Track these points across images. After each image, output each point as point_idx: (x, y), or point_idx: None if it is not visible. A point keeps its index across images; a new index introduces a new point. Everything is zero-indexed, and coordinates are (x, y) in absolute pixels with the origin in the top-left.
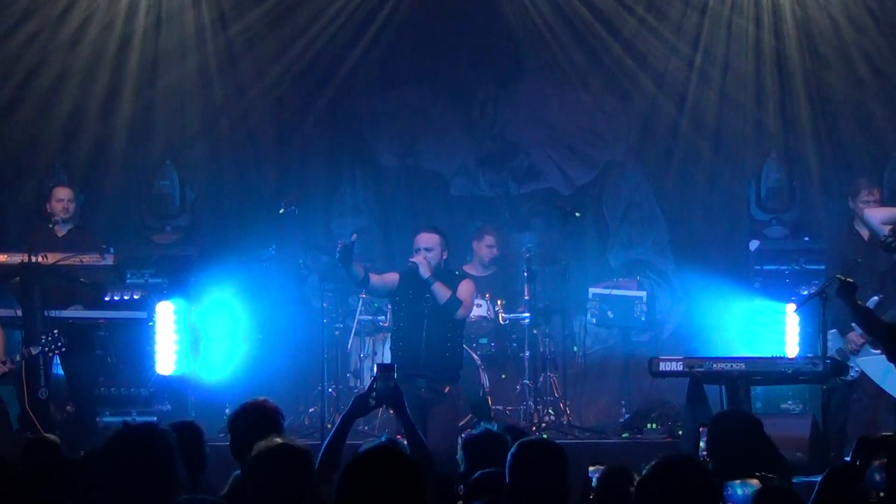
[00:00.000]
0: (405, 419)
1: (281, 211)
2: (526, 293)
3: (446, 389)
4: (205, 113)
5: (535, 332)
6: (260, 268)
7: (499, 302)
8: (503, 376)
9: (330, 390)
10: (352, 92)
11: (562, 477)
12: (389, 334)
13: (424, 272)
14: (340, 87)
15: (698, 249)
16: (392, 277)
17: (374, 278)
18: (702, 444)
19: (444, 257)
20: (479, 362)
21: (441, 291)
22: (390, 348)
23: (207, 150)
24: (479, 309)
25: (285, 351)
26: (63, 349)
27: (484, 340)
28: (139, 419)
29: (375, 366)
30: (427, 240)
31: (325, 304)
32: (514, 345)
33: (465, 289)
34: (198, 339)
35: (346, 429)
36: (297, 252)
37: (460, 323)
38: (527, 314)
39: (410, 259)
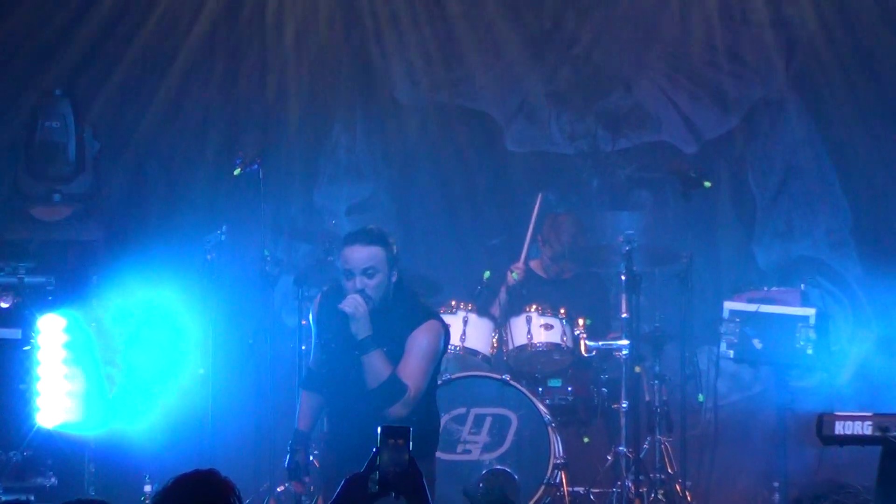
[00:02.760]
0: None
1: (236, 172)
2: (623, 309)
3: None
4: (116, 14)
5: (637, 370)
6: (203, 262)
7: (580, 322)
8: (586, 440)
9: (311, 458)
10: None
11: None
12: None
13: (359, 328)
14: None
15: None
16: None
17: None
18: None
19: (394, 279)
20: (546, 417)
21: (375, 368)
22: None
23: (120, 76)
24: (550, 333)
25: (242, 393)
26: None
27: (556, 382)
28: (5, 499)
29: (379, 429)
30: (361, 258)
31: (304, 322)
32: (605, 390)
33: (418, 349)
34: (104, 371)
35: None
36: (260, 238)
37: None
38: (624, 342)
39: (339, 305)
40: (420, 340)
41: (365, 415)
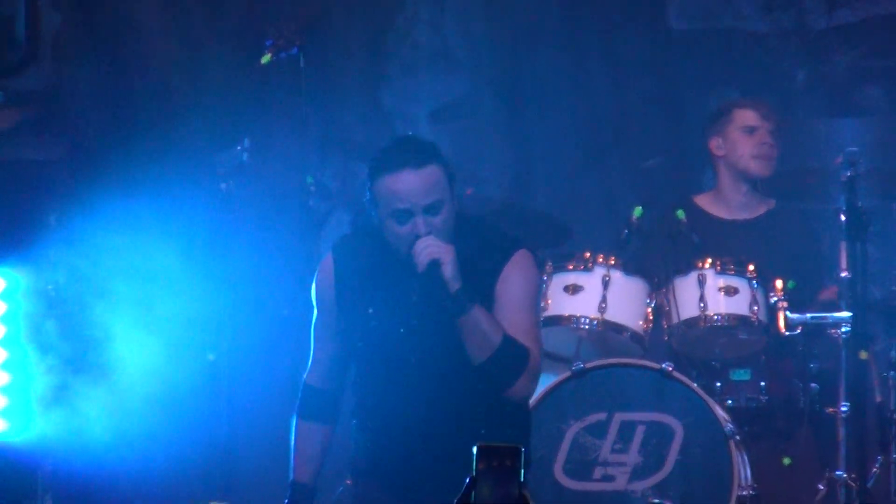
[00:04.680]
0: None
1: (265, 59)
2: (843, 265)
3: None
4: None
5: (863, 356)
6: (215, 194)
7: (777, 285)
8: (786, 461)
9: None
10: None
11: None
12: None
13: (452, 279)
14: None
15: None
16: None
17: None
18: None
19: (456, 206)
20: (728, 427)
21: (482, 331)
22: (354, 441)
23: None
24: (733, 300)
25: (270, 389)
26: None
27: (743, 375)
28: None
29: (475, 449)
30: (419, 188)
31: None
32: (815, 386)
33: (521, 294)
34: (67, 356)
35: None
36: (301, 158)
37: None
38: (844, 313)
39: (414, 251)
40: (517, 281)
41: (455, 412)
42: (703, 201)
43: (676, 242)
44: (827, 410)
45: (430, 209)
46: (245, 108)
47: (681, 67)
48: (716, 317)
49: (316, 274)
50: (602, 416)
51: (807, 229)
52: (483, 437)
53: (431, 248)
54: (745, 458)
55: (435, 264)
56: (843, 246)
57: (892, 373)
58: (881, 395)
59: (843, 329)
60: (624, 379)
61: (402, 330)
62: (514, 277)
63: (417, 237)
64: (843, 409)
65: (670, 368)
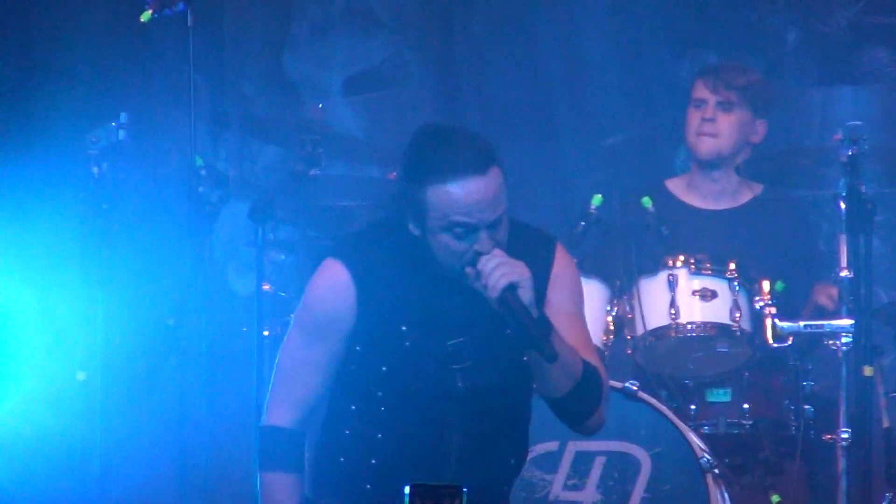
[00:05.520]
0: None
1: (145, 17)
2: (843, 263)
3: None
4: None
5: (868, 372)
6: (86, 179)
7: (763, 287)
8: (774, 499)
9: None
10: None
11: None
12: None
13: (529, 300)
14: None
15: None
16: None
17: None
18: None
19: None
20: (704, 458)
21: (566, 359)
22: (342, 459)
23: None
24: (710, 305)
25: (154, 413)
26: None
27: (722, 395)
28: None
29: (408, 488)
30: (487, 200)
31: (271, 291)
32: (809, 408)
33: (576, 300)
34: None
35: None
36: (189, 137)
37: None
38: (845, 321)
39: (481, 267)
40: (569, 284)
41: (498, 445)
42: (676, 187)
43: (642, 237)
44: (824, 438)
45: (496, 224)
46: (121, 76)
47: (647, 27)
48: (689, 326)
49: (318, 291)
50: (553, 445)
51: (799, 220)
52: (512, 468)
53: (506, 269)
54: (726, 494)
55: (512, 288)
56: (843, 240)
57: None
58: (888, 419)
59: (844, 340)
60: None
61: (447, 348)
62: (564, 279)
63: (479, 254)
64: (844, 435)
65: (635, 388)
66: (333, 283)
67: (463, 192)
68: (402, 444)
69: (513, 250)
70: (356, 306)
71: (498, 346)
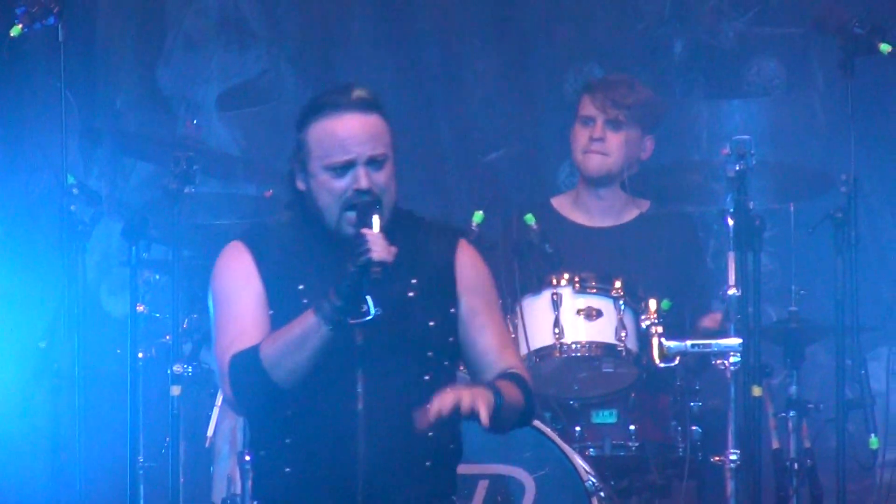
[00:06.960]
0: None
1: (14, 31)
2: (731, 280)
3: None
4: None
5: (756, 393)
6: None
7: (650, 306)
8: None
9: None
10: None
11: None
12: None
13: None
14: None
15: None
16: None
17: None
18: None
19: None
20: (590, 482)
21: (516, 409)
22: (254, 470)
23: None
24: (596, 325)
25: (26, 443)
26: None
27: (608, 416)
28: None
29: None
30: (363, 134)
31: (145, 312)
32: (697, 430)
33: (491, 298)
34: None
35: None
36: (60, 154)
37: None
38: (733, 340)
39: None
40: (479, 285)
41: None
42: (562, 204)
43: (526, 255)
44: (712, 459)
45: (375, 162)
46: None
47: (530, 39)
48: (574, 346)
49: (222, 262)
50: None
51: (687, 237)
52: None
53: (379, 248)
54: None
55: (370, 265)
56: (731, 257)
57: (791, 413)
58: (778, 440)
59: (732, 359)
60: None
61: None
62: (473, 277)
63: (357, 192)
64: (732, 457)
65: None
66: (231, 253)
67: (339, 125)
68: (310, 402)
69: (415, 241)
70: (256, 270)
71: (393, 302)
